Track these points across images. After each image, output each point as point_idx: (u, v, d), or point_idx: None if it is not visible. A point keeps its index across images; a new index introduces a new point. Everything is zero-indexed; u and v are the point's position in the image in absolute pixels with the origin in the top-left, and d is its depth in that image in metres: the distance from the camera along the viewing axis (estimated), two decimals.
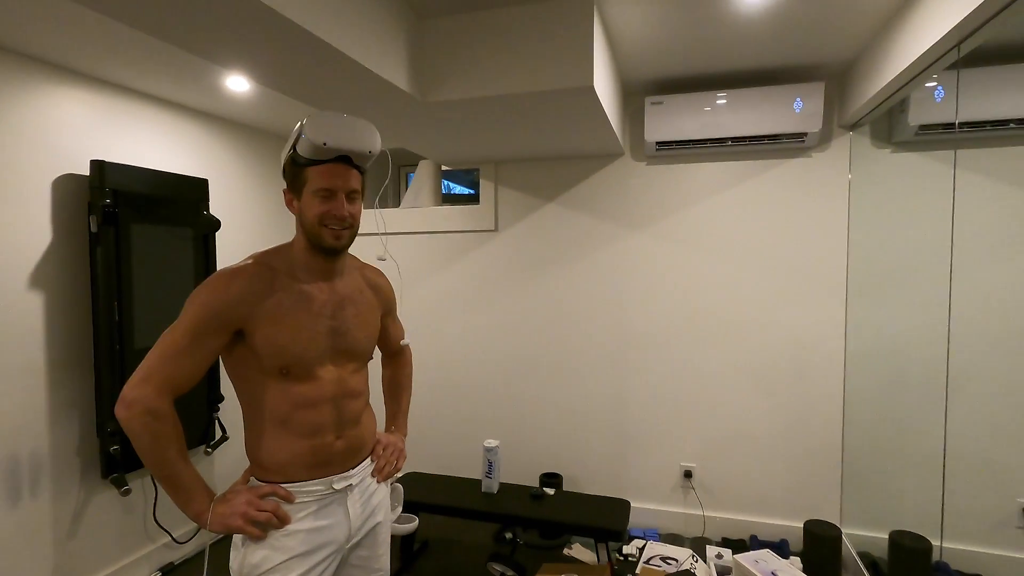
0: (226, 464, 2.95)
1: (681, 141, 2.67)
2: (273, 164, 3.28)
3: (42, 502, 2.13)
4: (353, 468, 1.27)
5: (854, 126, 2.60)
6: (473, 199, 3.41)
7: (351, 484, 1.25)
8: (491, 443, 2.62)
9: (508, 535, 2.88)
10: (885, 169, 2.54)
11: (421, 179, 3.50)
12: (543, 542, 2.82)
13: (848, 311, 2.65)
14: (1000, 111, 2.18)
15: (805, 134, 2.53)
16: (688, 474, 2.91)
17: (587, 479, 3.09)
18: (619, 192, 2.97)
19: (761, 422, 2.80)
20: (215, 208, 2.85)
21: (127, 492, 2.32)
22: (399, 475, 2.82)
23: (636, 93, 2.85)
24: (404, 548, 2.65)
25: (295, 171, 1.17)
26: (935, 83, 2.20)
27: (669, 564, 2.48)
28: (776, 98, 2.51)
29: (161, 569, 2.57)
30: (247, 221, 3.10)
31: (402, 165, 4.01)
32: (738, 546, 2.75)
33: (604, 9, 1.94)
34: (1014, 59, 2.12)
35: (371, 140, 1.18)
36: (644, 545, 2.68)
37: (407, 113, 2.19)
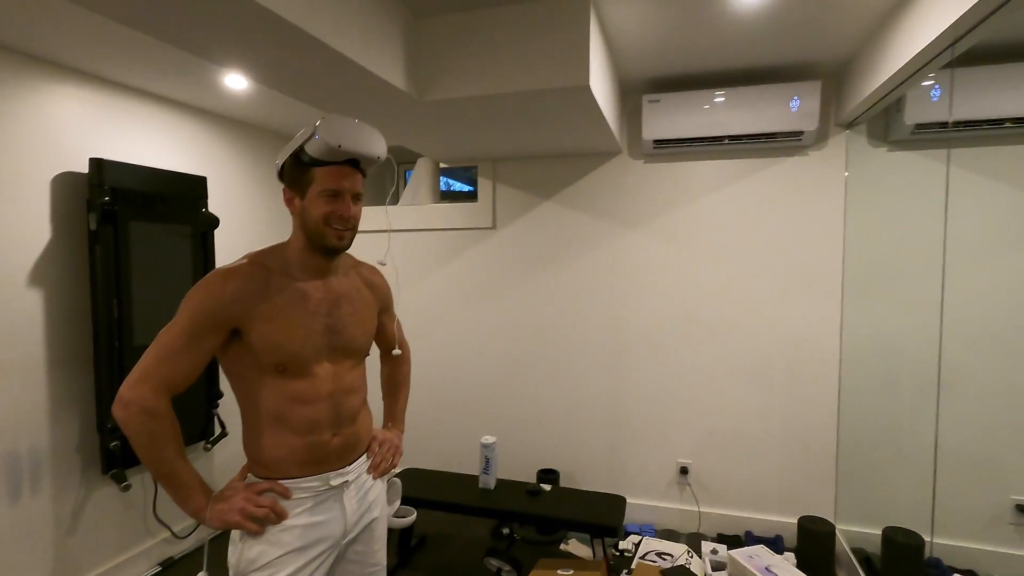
0: (226, 460, 2.97)
1: (678, 139, 2.68)
2: (272, 161, 3.28)
3: (42, 498, 2.15)
4: (349, 465, 1.29)
5: (850, 124, 2.61)
6: (472, 196, 3.41)
7: (347, 480, 1.27)
8: (488, 439, 2.64)
9: (505, 531, 2.90)
10: (881, 168, 2.55)
11: (419, 176, 3.51)
12: (540, 538, 2.84)
13: (844, 309, 2.67)
14: (996, 110, 2.18)
15: (802, 132, 2.54)
16: (684, 470, 2.93)
17: (584, 475, 3.11)
18: (616, 190, 2.98)
19: (756, 419, 2.82)
20: (213, 206, 2.86)
21: (127, 488, 2.34)
22: (396, 471, 2.84)
23: (634, 91, 2.85)
24: (402, 543, 2.67)
25: (299, 170, 1.18)
26: (932, 82, 2.20)
27: (664, 559, 2.50)
28: (773, 96, 2.51)
29: (161, 563, 2.60)
30: (245, 218, 3.11)
31: (400, 163, 4.01)
32: (733, 542, 2.77)
33: (601, 8, 1.94)
34: (1009, 58, 2.13)
35: (380, 146, 1.22)
36: (640, 541, 2.70)
37: (404, 112, 2.20)
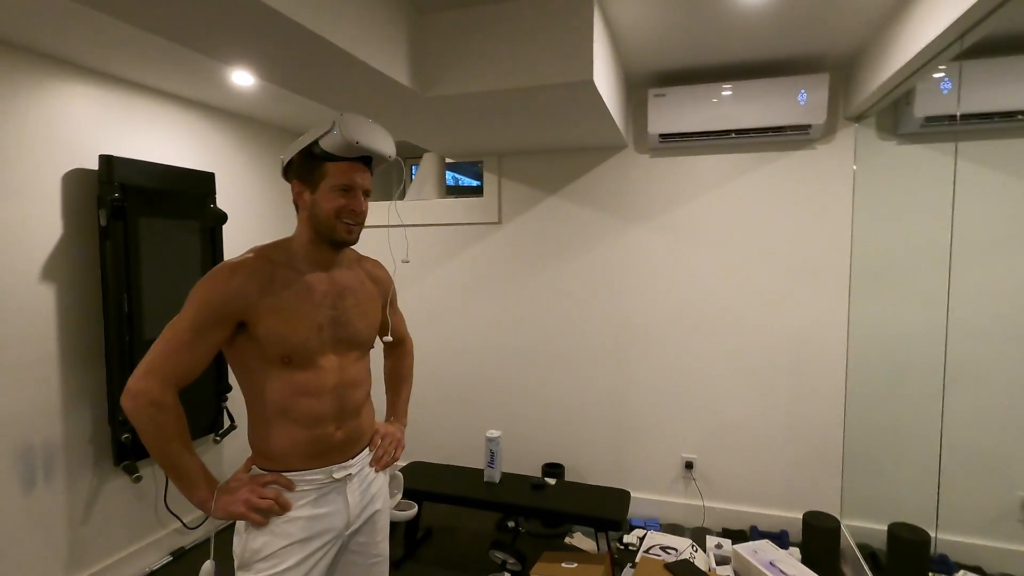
0: (234, 452, 3.01)
1: (684, 133, 2.67)
2: (279, 157, 3.30)
3: (56, 489, 2.19)
4: (352, 458, 1.30)
5: (859, 118, 2.58)
6: (478, 191, 3.42)
7: (350, 473, 1.29)
8: (493, 433, 2.66)
9: (510, 524, 2.92)
10: (890, 161, 2.53)
11: (425, 172, 3.52)
12: (544, 531, 2.86)
13: (851, 304, 2.65)
14: (1007, 103, 2.15)
15: (809, 126, 2.51)
16: (689, 465, 2.93)
17: (589, 469, 3.12)
18: (622, 185, 2.97)
19: (762, 414, 2.82)
20: (221, 201, 2.89)
21: (138, 479, 2.39)
22: (400, 465, 2.87)
23: (639, 85, 2.84)
24: (408, 535, 2.70)
25: (311, 165, 1.20)
26: (943, 74, 2.17)
27: (669, 553, 2.51)
28: (780, 90, 2.49)
29: (172, 553, 2.65)
30: (253, 213, 3.14)
31: (406, 158, 4.03)
32: (738, 537, 2.77)
33: (605, 2, 1.94)
34: (1020, 50, 2.09)
35: (391, 145, 1.27)
36: (644, 535, 2.71)
37: (409, 108, 2.21)
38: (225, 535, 2.76)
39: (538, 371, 3.19)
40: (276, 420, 1.21)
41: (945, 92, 2.22)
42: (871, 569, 2.32)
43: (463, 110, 2.25)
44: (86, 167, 2.27)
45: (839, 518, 2.64)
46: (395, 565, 2.52)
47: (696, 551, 2.54)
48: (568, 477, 3.12)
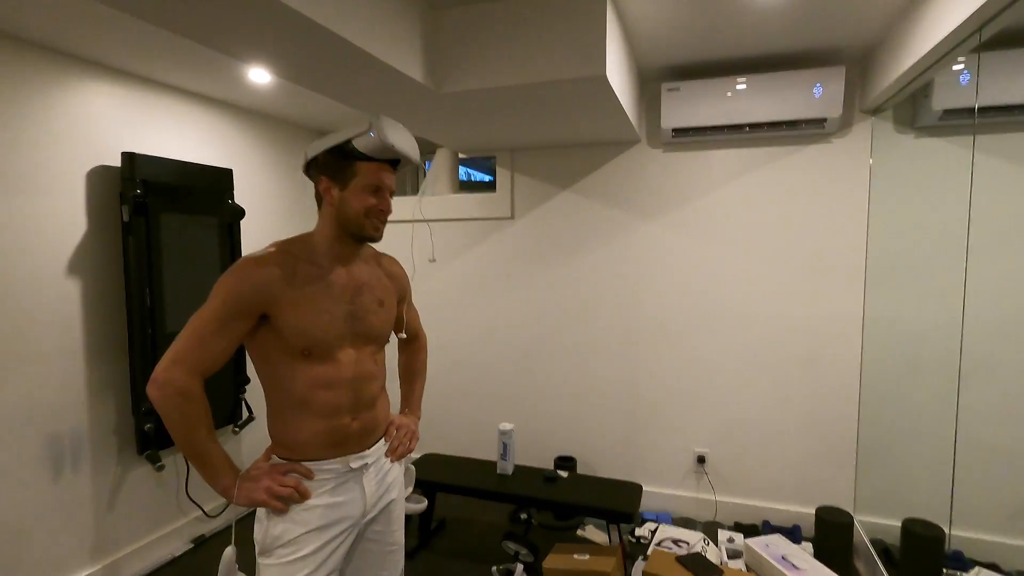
0: (253, 443, 3.07)
1: (698, 128, 2.66)
2: (295, 153, 3.35)
3: (83, 477, 2.26)
4: (368, 448, 1.34)
5: (876, 111, 2.55)
6: (491, 186, 3.44)
7: (367, 463, 1.32)
8: (506, 426, 2.68)
9: (522, 516, 2.95)
10: (908, 155, 2.50)
11: (438, 167, 3.54)
12: (557, 523, 2.89)
13: (867, 299, 2.63)
14: None
15: (825, 119, 2.49)
16: (701, 459, 2.94)
17: (601, 463, 3.14)
18: (635, 179, 2.97)
19: (776, 409, 2.81)
20: (239, 197, 2.94)
21: (161, 468, 2.45)
22: (414, 457, 2.91)
23: (652, 80, 2.83)
24: (422, 526, 2.75)
25: (342, 163, 1.23)
26: (962, 66, 2.14)
27: (680, 547, 2.52)
28: (795, 83, 2.47)
29: (193, 541, 2.72)
30: (270, 209, 3.19)
31: (421, 153, 4.05)
32: (750, 531, 2.77)
33: None
34: None
35: (418, 150, 1.32)
36: (656, 528, 2.73)
37: (423, 104, 2.23)
38: (245, 523, 2.84)
39: (550, 365, 3.21)
40: (295, 411, 1.24)
41: (964, 84, 2.18)
42: (884, 564, 2.32)
43: (476, 106, 2.26)
44: (109, 164, 2.32)
45: (852, 513, 2.63)
46: (409, 555, 2.57)
47: (708, 545, 2.56)
48: (580, 471, 3.14)
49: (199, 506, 2.73)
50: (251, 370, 2.86)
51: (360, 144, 1.20)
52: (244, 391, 2.85)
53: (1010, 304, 2.31)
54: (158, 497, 2.57)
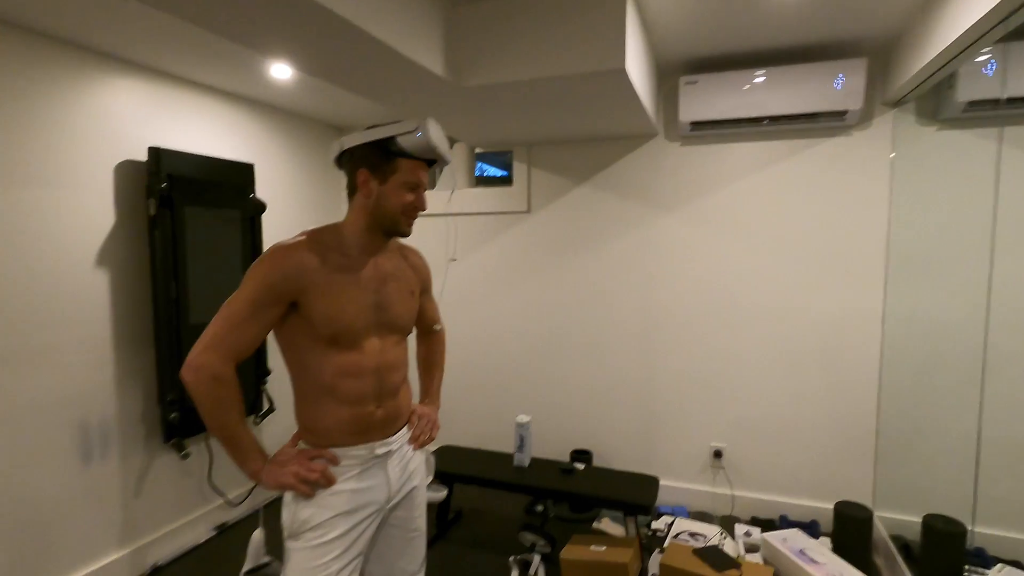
0: (274, 434, 3.12)
1: (716, 121, 2.65)
2: (315, 149, 3.39)
3: (111, 464, 2.32)
4: (392, 436, 1.36)
5: (898, 103, 2.52)
6: (505, 181, 3.45)
7: (391, 450, 1.35)
8: (523, 418, 2.70)
9: (539, 508, 2.97)
10: (930, 147, 2.47)
11: (455, 161, 3.56)
12: (573, 516, 2.91)
13: (887, 292, 2.61)
14: None
15: (845, 112, 2.47)
16: (718, 454, 2.93)
17: (617, 456, 3.15)
18: (652, 173, 2.96)
19: (794, 403, 2.80)
20: (260, 191, 2.98)
21: (186, 456, 2.51)
22: (432, 448, 2.94)
23: (670, 73, 2.82)
24: (439, 517, 2.78)
25: (383, 159, 1.25)
26: (988, 56, 2.11)
27: (697, 540, 2.52)
28: (815, 75, 2.45)
29: (216, 528, 2.77)
30: (290, 203, 3.23)
31: None
32: (767, 526, 2.76)
33: None
34: None
35: (450, 151, 1.35)
36: (672, 521, 2.73)
37: (443, 98, 2.25)
38: (269, 509, 2.89)
39: (567, 359, 3.22)
40: (322, 398, 1.27)
41: (990, 74, 2.15)
42: (904, 560, 2.30)
43: (495, 99, 2.28)
44: (135, 159, 2.37)
45: (872, 508, 2.61)
46: (427, 545, 2.59)
47: (725, 538, 2.56)
48: (596, 464, 3.15)
49: (222, 494, 2.79)
50: (272, 362, 2.91)
51: (405, 142, 1.23)
52: (265, 382, 2.89)
53: None
54: (183, 485, 2.63)
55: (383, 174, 1.26)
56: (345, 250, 1.28)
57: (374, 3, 1.59)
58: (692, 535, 2.57)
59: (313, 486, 1.24)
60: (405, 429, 1.42)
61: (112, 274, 2.31)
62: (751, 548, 2.50)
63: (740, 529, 2.64)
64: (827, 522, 2.70)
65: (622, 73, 1.93)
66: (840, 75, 2.42)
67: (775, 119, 2.57)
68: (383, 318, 1.31)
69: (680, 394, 3.00)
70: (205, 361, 1.14)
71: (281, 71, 2.46)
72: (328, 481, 1.25)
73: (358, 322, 1.26)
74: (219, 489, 2.77)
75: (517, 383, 3.36)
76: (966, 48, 1.84)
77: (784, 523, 2.76)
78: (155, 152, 2.33)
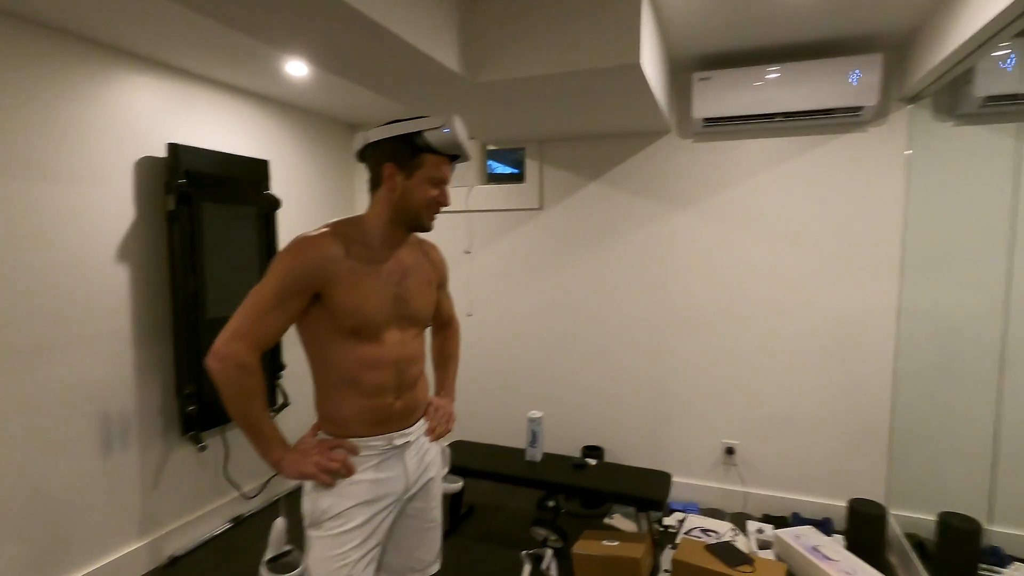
0: (289, 429, 3.12)
1: (730, 117, 2.64)
2: (329, 145, 3.41)
3: (130, 454, 2.36)
4: (410, 427, 1.38)
5: (914, 99, 2.50)
6: (516, 178, 3.46)
7: (408, 441, 1.36)
8: (535, 414, 2.71)
9: (550, 503, 2.98)
10: (947, 143, 2.45)
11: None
12: (584, 511, 2.91)
13: (903, 288, 2.59)
14: None
15: (861, 108, 2.45)
16: (730, 451, 2.93)
17: (629, 453, 3.15)
18: (665, 169, 2.96)
19: (807, 401, 2.79)
20: (275, 188, 3.01)
21: (203, 448, 2.54)
22: (447, 441, 2.96)
23: (684, 69, 2.82)
24: (452, 511, 2.80)
25: (409, 152, 1.26)
26: (1007, 51, 2.09)
27: (709, 536, 2.53)
28: (830, 71, 2.44)
29: (232, 520, 2.81)
30: (304, 200, 3.26)
31: None
32: (779, 523, 2.76)
33: None
34: None
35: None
36: (684, 517, 2.73)
37: (457, 93, 2.26)
38: (289, 500, 2.92)
39: (579, 355, 3.23)
40: (342, 389, 1.28)
41: (1009, 70, 2.13)
42: (919, 558, 2.29)
43: (509, 95, 2.28)
44: (154, 155, 2.41)
45: (885, 506, 2.60)
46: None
47: (737, 535, 2.55)
48: (608, 460, 3.15)
49: (237, 487, 2.82)
50: (287, 357, 2.94)
51: (432, 137, 1.24)
52: (280, 377, 2.92)
53: None
54: (199, 477, 2.67)
55: (409, 169, 1.27)
56: (367, 243, 1.30)
57: None
58: (704, 531, 2.57)
59: (334, 475, 1.25)
60: (422, 421, 1.44)
61: (131, 269, 2.34)
62: (763, 545, 2.50)
63: (752, 526, 2.64)
64: (840, 519, 2.69)
65: (636, 68, 1.93)
66: (855, 71, 2.40)
67: (789, 115, 2.56)
68: (404, 311, 1.33)
69: (692, 390, 3.00)
70: (231, 350, 1.16)
71: (296, 68, 2.49)
72: (348, 471, 1.26)
73: (379, 314, 1.27)
74: (235, 482, 2.80)
75: (529, 379, 3.37)
76: (984, 43, 1.83)
77: (797, 520, 2.75)
78: (174, 148, 2.36)
